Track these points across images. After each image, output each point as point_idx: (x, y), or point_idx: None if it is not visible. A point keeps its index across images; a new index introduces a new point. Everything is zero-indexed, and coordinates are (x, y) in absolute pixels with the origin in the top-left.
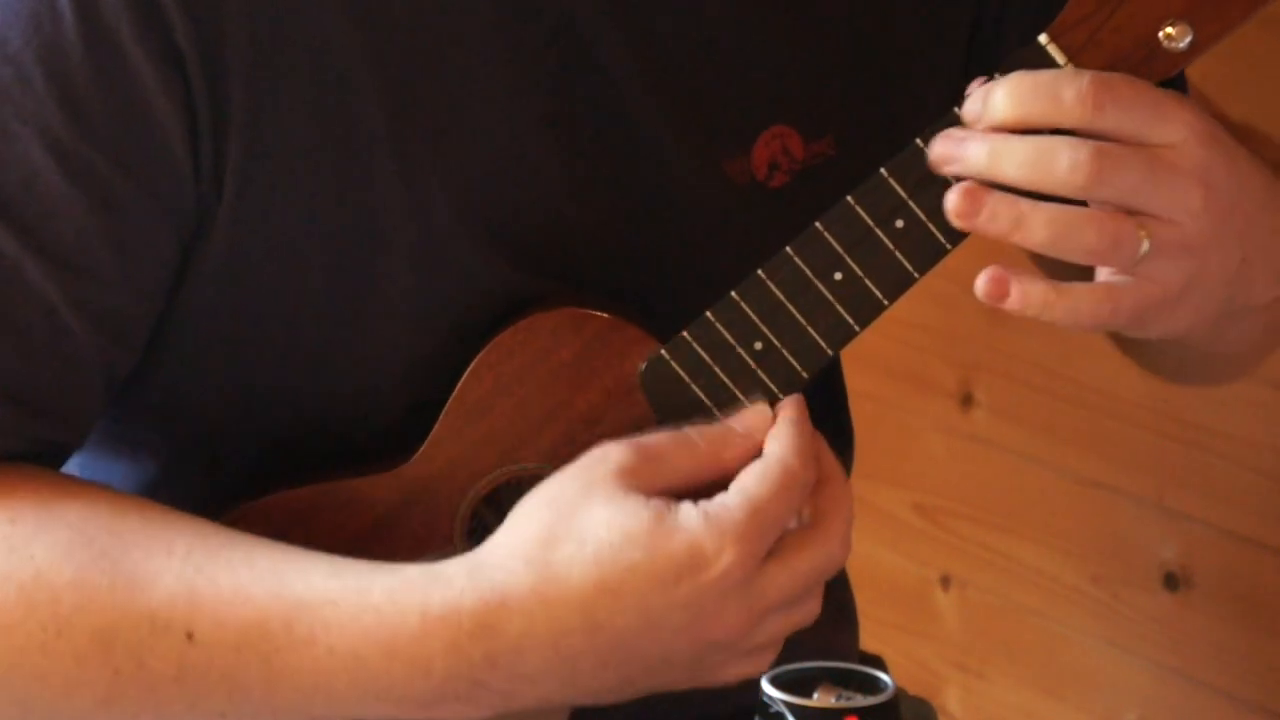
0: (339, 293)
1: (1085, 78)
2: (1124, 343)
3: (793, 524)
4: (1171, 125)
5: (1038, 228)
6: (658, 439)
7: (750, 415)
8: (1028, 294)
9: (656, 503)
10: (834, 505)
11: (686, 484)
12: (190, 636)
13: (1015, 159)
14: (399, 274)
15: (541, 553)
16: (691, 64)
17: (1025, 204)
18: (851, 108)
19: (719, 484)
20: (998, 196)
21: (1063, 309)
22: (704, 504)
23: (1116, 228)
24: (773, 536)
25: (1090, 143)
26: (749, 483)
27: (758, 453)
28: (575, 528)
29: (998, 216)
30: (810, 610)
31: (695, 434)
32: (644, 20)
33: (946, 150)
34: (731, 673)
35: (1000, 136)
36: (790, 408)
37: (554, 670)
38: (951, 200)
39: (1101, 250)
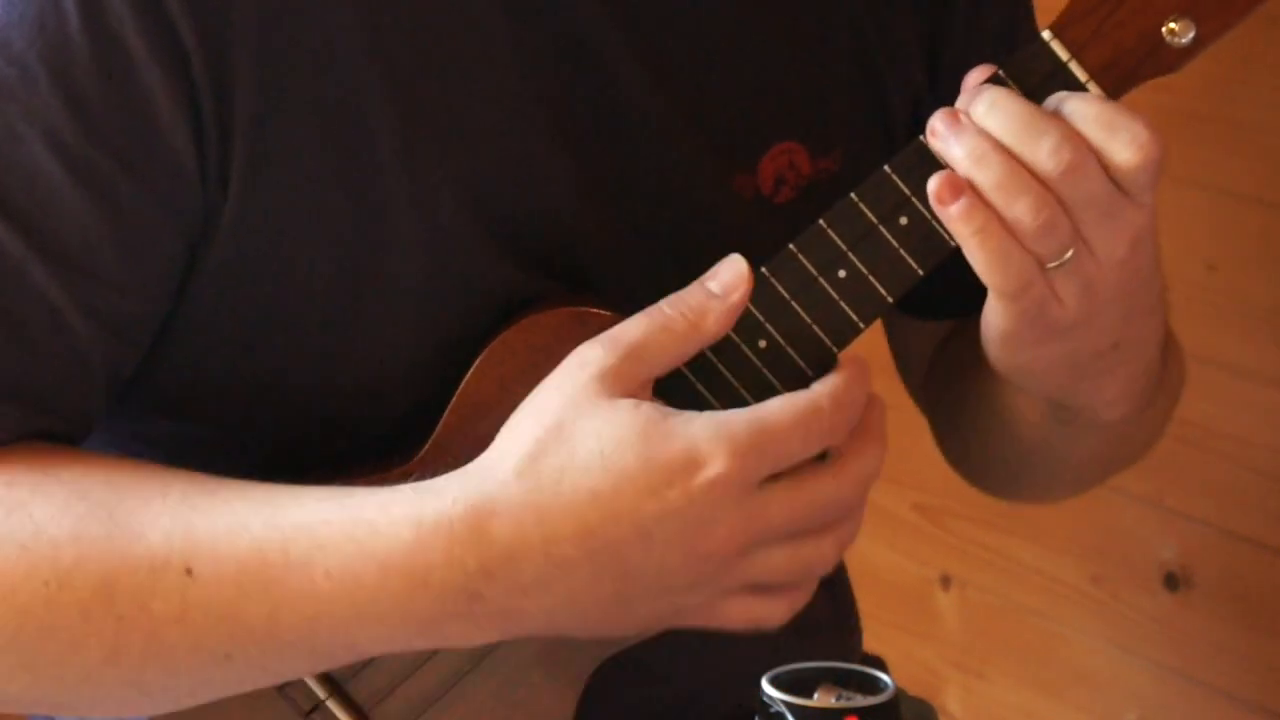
0: (343, 292)
1: (1066, 148)
2: (970, 455)
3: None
4: (1150, 192)
5: (993, 167)
6: (633, 326)
7: (724, 270)
8: (972, 209)
9: (648, 407)
10: (858, 453)
11: (671, 362)
12: (189, 572)
13: (1004, 116)
14: (403, 274)
15: (531, 464)
16: (699, 77)
17: (991, 145)
18: (856, 124)
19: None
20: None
21: (994, 245)
22: (709, 412)
23: (1055, 213)
24: (775, 459)
25: (1080, 139)
26: (768, 403)
27: (738, 310)
28: (564, 437)
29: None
30: (819, 553)
31: (669, 308)
32: (651, 32)
33: (966, 97)
34: (735, 608)
35: (1004, 92)
36: (854, 364)
37: (549, 582)
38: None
39: (1028, 225)
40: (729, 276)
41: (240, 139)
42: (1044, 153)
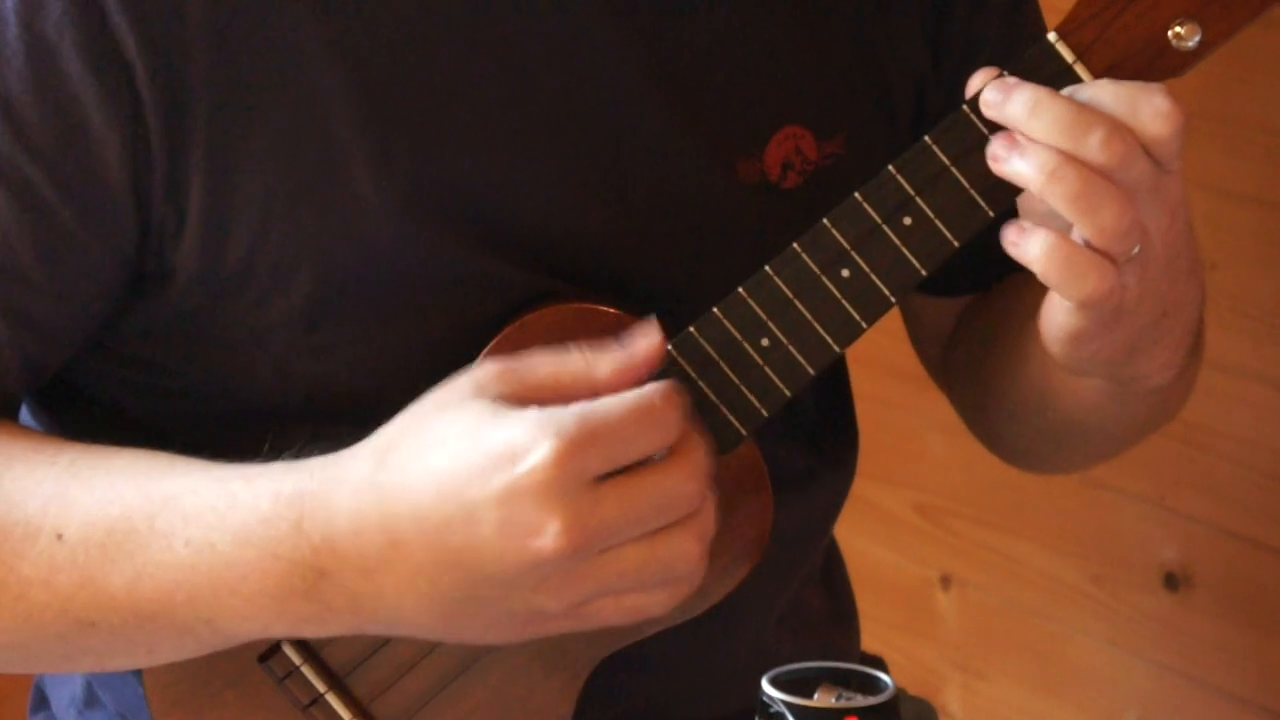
0: (327, 297)
1: (1115, 138)
2: (1003, 434)
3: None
4: (1179, 158)
5: (1069, 180)
6: (532, 354)
7: (639, 336)
8: (1055, 247)
9: (498, 403)
10: (686, 445)
11: (551, 391)
12: (60, 537)
13: (1051, 117)
14: (385, 278)
15: (386, 445)
16: (701, 66)
17: (1061, 157)
18: (859, 108)
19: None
20: (1037, 146)
21: (1076, 265)
22: (549, 408)
23: (1134, 217)
24: (607, 454)
25: (1123, 126)
26: (601, 399)
27: (639, 365)
28: (421, 425)
29: (1033, 160)
30: (677, 549)
31: (574, 348)
32: (648, 21)
33: (994, 96)
34: (607, 609)
35: (1047, 92)
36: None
37: (391, 562)
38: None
39: (1113, 231)
40: (640, 341)
41: (198, 150)
42: (1095, 147)
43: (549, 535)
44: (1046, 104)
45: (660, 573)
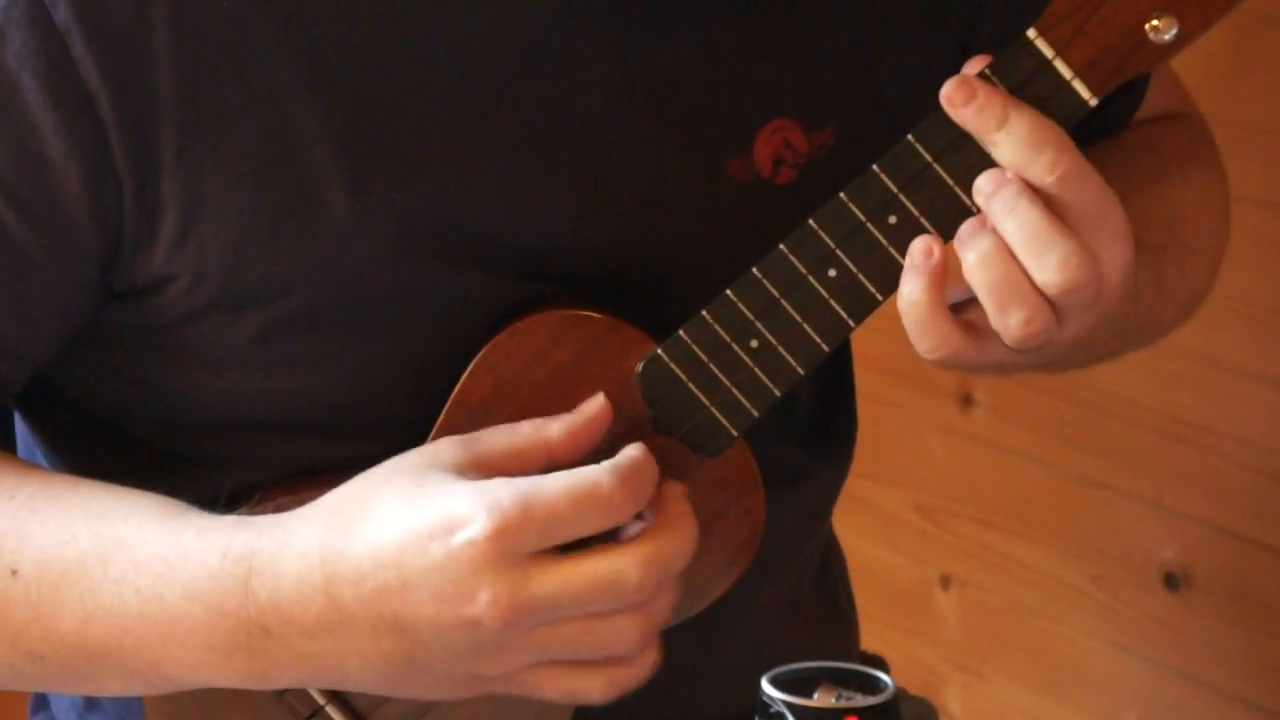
0: (309, 314)
1: (1061, 163)
2: None
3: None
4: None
5: (1018, 131)
6: (487, 432)
7: (589, 403)
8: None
9: (444, 473)
10: (651, 535)
11: (506, 459)
12: (14, 573)
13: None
14: (367, 295)
15: (333, 508)
16: (680, 68)
17: (1013, 107)
18: (849, 97)
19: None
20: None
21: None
22: (492, 480)
23: (1047, 323)
24: (543, 532)
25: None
26: (547, 476)
27: (585, 429)
28: (369, 491)
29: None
30: (616, 633)
31: (528, 423)
32: (628, 29)
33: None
34: (545, 680)
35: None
36: (640, 450)
37: (332, 626)
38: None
39: (1020, 334)
40: (589, 406)
41: (170, 174)
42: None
43: (480, 605)
44: (1022, 210)
45: (597, 650)
